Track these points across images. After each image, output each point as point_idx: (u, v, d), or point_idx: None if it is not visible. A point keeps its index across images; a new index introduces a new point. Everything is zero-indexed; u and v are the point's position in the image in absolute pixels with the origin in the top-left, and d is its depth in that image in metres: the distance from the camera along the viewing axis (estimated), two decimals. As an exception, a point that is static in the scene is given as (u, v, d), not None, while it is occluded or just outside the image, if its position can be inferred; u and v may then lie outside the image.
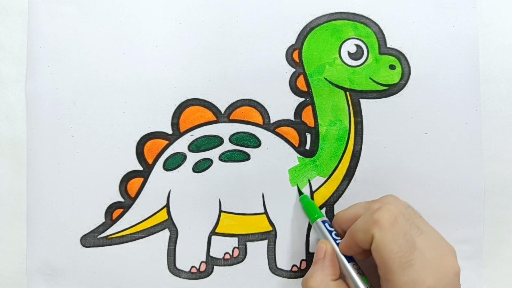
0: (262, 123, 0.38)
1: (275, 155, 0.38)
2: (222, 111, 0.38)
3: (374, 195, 0.36)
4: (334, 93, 0.38)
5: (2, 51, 0.38)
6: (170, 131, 0.38)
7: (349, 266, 0.32)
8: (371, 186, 0.37)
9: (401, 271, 0.28)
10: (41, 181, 0.37)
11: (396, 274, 0.28)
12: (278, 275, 0.38)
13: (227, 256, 0.38)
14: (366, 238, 0.29)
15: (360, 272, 0.31)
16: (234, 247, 0.38)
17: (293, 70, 0.38)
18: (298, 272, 0.38)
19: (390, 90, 0.38)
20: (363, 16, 0.38)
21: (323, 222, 0.35)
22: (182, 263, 0.38)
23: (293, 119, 0.38)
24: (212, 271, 0.38)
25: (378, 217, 0.29)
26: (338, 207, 0.37)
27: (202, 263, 0.38)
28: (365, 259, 0.32)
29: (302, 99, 0.38)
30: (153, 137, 0.38)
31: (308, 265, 0.38)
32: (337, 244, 0.33)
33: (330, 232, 0.34)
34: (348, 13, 0.38)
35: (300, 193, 0.38)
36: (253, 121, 0.38)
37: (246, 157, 0.38)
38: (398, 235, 0.28)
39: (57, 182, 0.37)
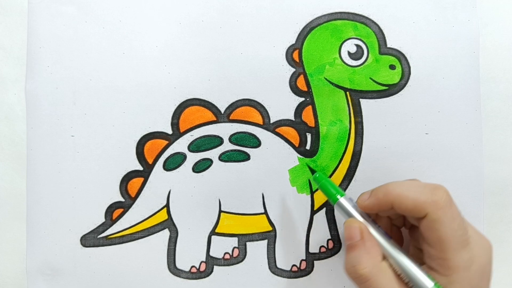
0: (262, 123, 0.38)
1: (275, 155, 0.38)
2: (222, 111, 0.38)
3: (374, 195, 0.36)
4: (334, 93, 0.38)
5: (2, 51, 0.38)
6: (170, 131, 0.38)
7: (391, 245, 0.30)
8: (371, 186, 0.37)
9: (460, 248, 0.28)
10: (41, 181, 0.37)
11: (455, 252, 0.28)
12: (278, 275, 0.38)
13: (227, 256, 0.38)
14: (417, 211, 0.28)
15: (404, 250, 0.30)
16: (234, 247, 0.38)
17: (293, 70, 0.38)
18: (298, 272, 0.38)
19: (390, 90, 0.38)
20: (363, 16, 0.38)
21: (348, 199, 0.32)
22: (182, 263, 0.38)
23: (293, 119, 0.38)
24: (212, 271, 0.38)
25: (437, 197, 0.28)
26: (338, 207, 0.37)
27: (202, 263, 0.38)
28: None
29: (302, 99, 0.38)
30: (153, 137, 0.38)
31: (308, 265, 0.38)
32: (369, 223, 0.31)
33: (358, 211, 0.31)
34: (348, 13, 0.38)
35: (313, 171, 0.36)
36: (253, 121, 0.38)
37: (246, 157, 0.38)
38: (457, 215, 0.28)
39: (57, 182, 0.37)
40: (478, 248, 0.29)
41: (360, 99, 0.38)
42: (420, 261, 0.30)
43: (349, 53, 0.38)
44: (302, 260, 0.38)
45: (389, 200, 0.30)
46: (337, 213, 0.37)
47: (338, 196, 0.32)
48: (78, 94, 0.37)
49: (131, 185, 0.37)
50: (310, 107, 0.38)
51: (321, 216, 0.38)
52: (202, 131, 0.38)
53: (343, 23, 0.38)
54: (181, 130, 0.38)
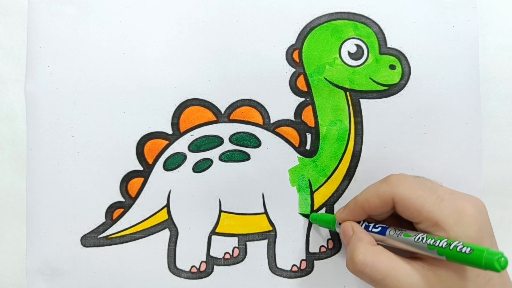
0: (262, 123, 0.38)
1: (275, 155, 0.38)
2: (222, 111, 0.38)
3: (374, 195, 0.36)
4: (334, 93, 0.38)
5: (2, 51, 0.38)
6: (170, 131, 0.38)
7: (388, 230, 0.31)
8: (371, 186, 0.37)
9: (437, 207, 0.28)
10: (41, 181, 0.37)
11: (435, 213, 0.28)
12: (278, 275, 0.38)
13: (227, 256, 0.38)
14: (384, 204, 0.31)
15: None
16: (234, 247, 0.38)
17: (293, 70, 0.38)
18: (298, 272, 0.38)
19: (390, 90, 0.38)
20: (363, 16, 0.38)
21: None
22: (182, 263, 0.38)
23: (293, 119, 0.38)
24: (212, 271, 0.38)
25: (391, 180, 0.31)
26: (338, 207, 0.37)
27: (202, 263, 0.38)
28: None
29: (302, 99, 0.38)
30: (153, 137, 0.38)
31: (308, 265, 0.38)
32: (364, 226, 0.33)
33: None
34: (348, 13, 0.38)
35: (306, 216, 0.38)
36: (253, 121, 0.38)
37: (246, 157, 0.38)
38: (416, 184, 0.30)
39: (57, 182, 0.37)
40: (462, 202, 0.29)
41: (360, 99, 0.38)
42: None
43: (349, 53, 0.38)
44: (302, 260, 0.38)
45: (359, 206, 0.32)
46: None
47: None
48: (78, 94, 0.37)
49: (131, 185, 0.37)
50: (310, 107, 0.38)
51: (321, 216, 0.38)
52: (202, 131, 0.38)
53: (343, 23, 0.38)
54: (181, 130, 0.38)
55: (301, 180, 0.38)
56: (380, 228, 0.32)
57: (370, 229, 0.32)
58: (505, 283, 0.29)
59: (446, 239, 0.27)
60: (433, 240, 0.28)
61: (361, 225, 0.33)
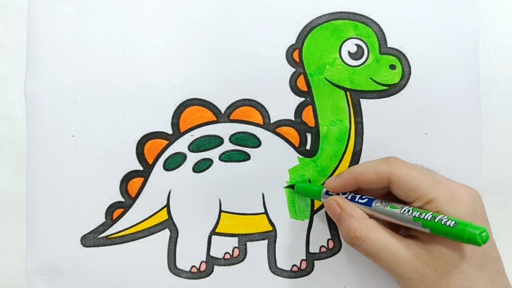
0: (262, 123, 0.38)
1: (275, 155, 0.38)
2: (222, 111, 0.38)
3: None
4: (335, 93, 0.38)
5: (2, 51, 0.38)
6: (170, 131, 0.38)
7: (375, 202, 0.32)
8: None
9: (432, 187, 0.29)
10: (41, 181, 0.37)
11: (430, 192, 0.29)
12: (278, 275, 0.38)
13: (227, 256, 0.38)
14: (379, 180, 0.31)
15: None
16: (234, 247, 0.38)
17: (293, 70, 0.38)
18: (298, 272, 0.38)
19: (390, 90, 0.38)
20: (364, 16, 0.38)
21: (326, 192, 0.35)
22: (182, 263, 0.38)
23: (294, 119, 0.38)
24: (212, 271, 0.38)
25: (391, 161, 0.32)
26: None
27: (202, 263, 0.38)
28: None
29: (302, 99, 0.38)
30: (153, 137, 0.38)
31: (308, 265, 0.38)
32: (348, 197, 0.33)
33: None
34: (348, 12, 0.38)
35: (291, 186, 0.37)
36: (253, 121, 0.38)
37: (246, 157, 0.38)
38: (413, 167, 0.31)
39: (57, 182, 0.37)
40: (457, 185, 0.30)
41: (360, 99, 0.38)
42: None
43: (349, 53, 0.38)
44: (302, 260, 0.38)
45: (353, 177, 0.32)
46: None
47: (323, 190, 0.35)
48: (78, 94, 0.37)
49: (131, 185, 0.37)
50: (310, 107, 0.38)
51: (321, 216, 0.38)
52: (202, 131, 0.38)
53: (344, 22, 0.38)
54: (181, 130, 0.38)
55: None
56: (366, 200, 0.32)
57: (356, 199, 0.33)
58: (499, 270, 0.30)
59: (431, 213, 0.28)
60: (418, 213, 0.29)
61: (347, 196, 0.33)
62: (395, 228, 0.32)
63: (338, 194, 0.34)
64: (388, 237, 0.30)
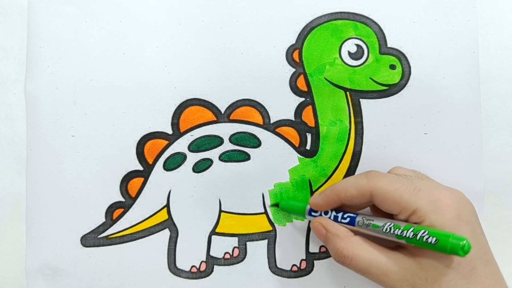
0: (262, 123, 0.38)
1: (275, 155, 0.38)
2: (222, 111, 0.38)
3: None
4: (334, 93, 0.38)
5: (2, 51, 0.38)
6: (170, 131, 0.38)
7: (359, 218, 0.32)
8: (371, 186, 0.37)
9: (414, 197, 0.29)
10: (41, 181, 0.37)
11: (412, 202, 0.29)
12: (278, 274, 0.38)
13: (227, 256, 0.38)
14: (361, 195, 0.31)
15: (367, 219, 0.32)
16: (234, 247, 0.38)
17: (293, 70, 0.38)
18: (298, 272, 0.38)
19: (390, 90, 0.38)
20: (364, 16, 0.38)
21: (310, 211, 0.35)
22: (182, 263, 0.38)
23: (294, 119, 0.38)
24: (212, 271, 0.38)
25: (371, 175, 0.31)
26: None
27: (202, 263, 0.38)
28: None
29: (302, 99, 0.38)
30: (153, 137, 0.38)
31: (308, 265, 0.38)
32: (332, 216, 0.33)
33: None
34: (348, 12, 0.38)
35: (276, 205, 0.38)
36: (253, 121, 0.38)
37: (246, 157, 0.38)
38: (394, 179, 0.31)
39: (57, 182, 0.37)
40: (439, 192, 0.30)
41: (360, 99, 0.38)
42: None
43: (349, 53, 0.38)
44: (302, 259, 0.38)
45: (336, 194, 0.32)
46: None
47: (307, 208, 0.35)
48: (78, 94, 0.37)
49: (131, 185, 0.37)
50: (310, 107, 0.38)
51: (321, 216, 0.38)
52: (202, 131, 0.38)
53: (343, 23, 0.38)
54: (181, 130, 0.38)
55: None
56: (348, 219, 0.32)
57: (339, 219, 0.33)
58: (493, 273, 0.30)
59: (413, 228, 0.28)
60: (400, 231, 0.29)
61: (330, 216, 0.33)
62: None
63: (321, 214, 0.34)
64: (375, 252, 0.30)
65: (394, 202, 0.30)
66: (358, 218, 0.32)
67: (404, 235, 0.28)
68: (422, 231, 0.28)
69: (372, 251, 0.30)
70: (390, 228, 0.29)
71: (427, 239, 0.27)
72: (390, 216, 0.32)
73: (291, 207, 0.36)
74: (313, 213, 0.34)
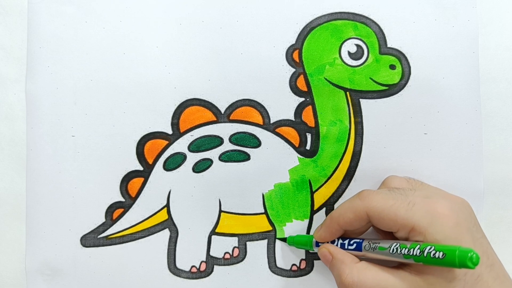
0: (262, 123, 0.38)
1: (275, 155, 0.38)
2: (222, 111, 0.38)
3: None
4: (334, 93, 0.38)
5: (2, 51, 0.38)
6: (170, 131, 0.38)
7: (365, 243, 0.32)
8: (371, 186, 0.37)
9: (410, 213, 0.29)
10: (41, 181, 0.37)
11: (409, 219, 0.29)
12: (277, 274, 0.38)
13: (227, 256, 0.38)
14: (359, 219, 0.31)
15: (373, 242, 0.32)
16: (234, 247, 0.38)
17: (293, 70, 0.38)
18: (297, 271, 0.38)
19: (390, 90, 0.38)
20: (363, 16, 0.38)
21: (317, 242, 0.35)
22: (182, 263, 0.38)
23: (293, 119, 0.38)
24: (212, 271, 0.38)
25: (363, 195, 0.31)
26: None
27: (202, 263, 0.38)
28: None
29: (302, 99, 0.38)
30: (153, 137, 0.38)
31: (308, 265, 0.38)
32: (340, 244, 0.33)
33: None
34: (348, 13, 0.38)
35: (283, 240, 0.38)
36: (253, 121, 0.38)
37: (246, 157, 0.38)
38: (387, 196, 0.31)
39: (57, 182, 0.37)
40: (433, 203, 0.29)
41: (360, 99, 0.38)
42: None
43: (349, 53, 0.38)
44: (302, 259, 0.38)
45: (335, 222, 0.32)
46: None
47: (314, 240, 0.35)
48: (78, 94, 0.37)
49: (131, 185, 0.37)
50: (310, 107, 0.38)
51: (321, 216, 0.38)
52: (202, 131, 0.38)
53: (343, 23, 0.38)
54: (181, 130, 0.38)
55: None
56: (355, 245, 0.32)
57: (346, 247, 0.33)
58: (499, 275, 0.30)
59: (419, 245, 0.28)
60: (406, 250, 0.28)
61: (337, 244, 0.33)
62: None
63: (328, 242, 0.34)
64: (380, 274, 0.30)
65: (390, 220, 0.30)
66: (365, 243, 0.31)
67: (411, 253, 0.28)
68: (429, 247, 0.27)
69: (378, 274, 0.30)
70: (397, 249, 0.29)
71: (434, 254, 0.27)
72: (391, 234, 0.31)
73: (298, 242, 0.36)
74: (319, 244, 0.34)
